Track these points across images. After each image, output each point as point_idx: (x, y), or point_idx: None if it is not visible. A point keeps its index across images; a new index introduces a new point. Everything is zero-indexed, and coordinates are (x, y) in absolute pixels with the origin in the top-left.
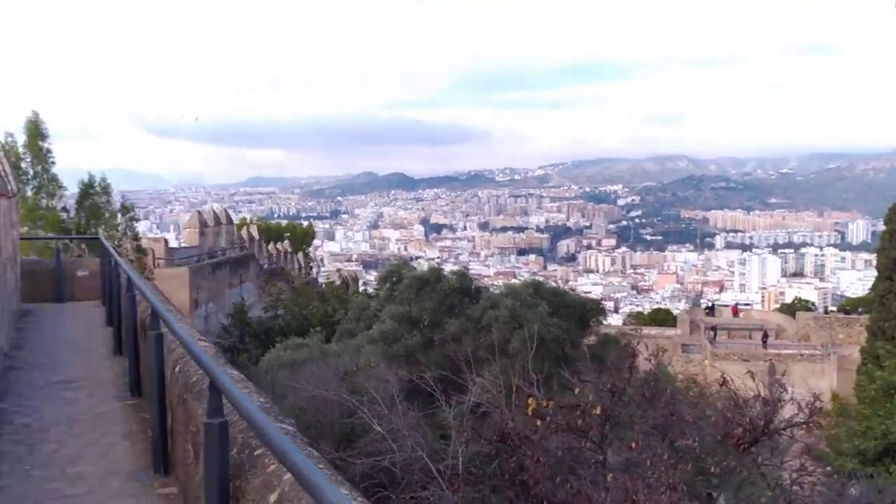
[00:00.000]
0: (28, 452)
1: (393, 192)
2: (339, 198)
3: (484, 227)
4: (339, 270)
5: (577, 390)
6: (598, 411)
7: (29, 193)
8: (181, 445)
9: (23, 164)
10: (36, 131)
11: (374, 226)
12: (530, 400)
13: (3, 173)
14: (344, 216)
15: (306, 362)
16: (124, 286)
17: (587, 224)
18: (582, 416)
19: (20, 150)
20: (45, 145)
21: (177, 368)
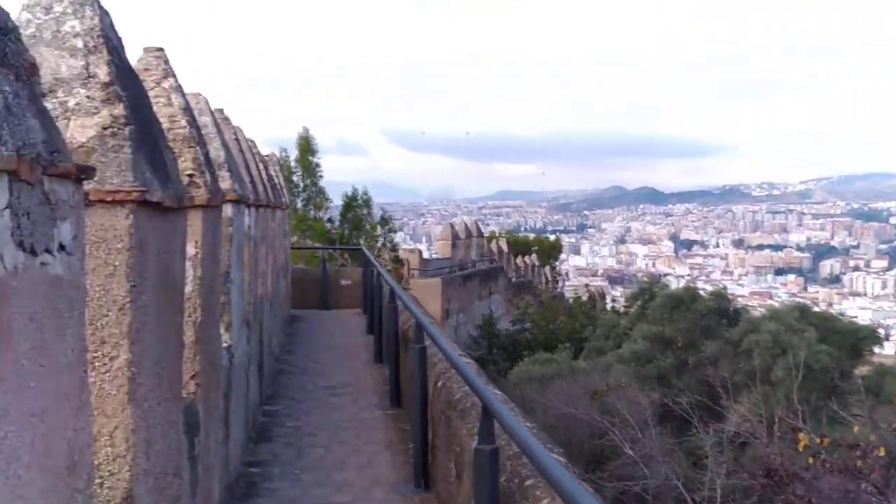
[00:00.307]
0: (297, 456)
1: (641, 206)
2: (586, 211)
3: (738, 244)
4: (587, 286)
5: (855, 427)
6: (881, 453)
7: (299, 205)
8: (442, 463)
9: (294, 178)
10: (307, 146)
11: (621, 241)
12: (801, 435)
13: (278, 186)
14: (590, 230)
15: (554, 378)
16: (386, 297)
17: (854, 243)
18: (862, 457)
19: (292, 164)
20: (315, 160)
21: (439, 383)
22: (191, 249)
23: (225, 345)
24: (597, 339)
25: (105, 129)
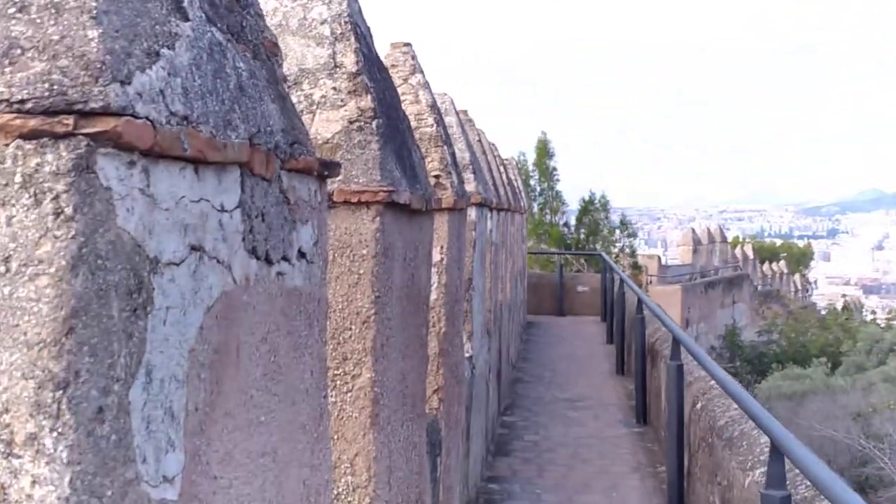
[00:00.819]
0: (538, 474)
1: None
2: (839, 216)
3: None
4: (844, 296)
5: None
6: None
7: (536, 209)
8: (703, 495)
9: (531, 182)
10: (544, 150)
11: (879, 247)
12: None
13: (517, 190)
14: (843, 235)
15: (808, 395)
16: (630, 305)
17: None
18: None
19: (530, 168)
20: (552, 163)
21: (698, 405)
22: (436, 255)
23: (467, 355)
24: (856, 354)
25: (352, 122)
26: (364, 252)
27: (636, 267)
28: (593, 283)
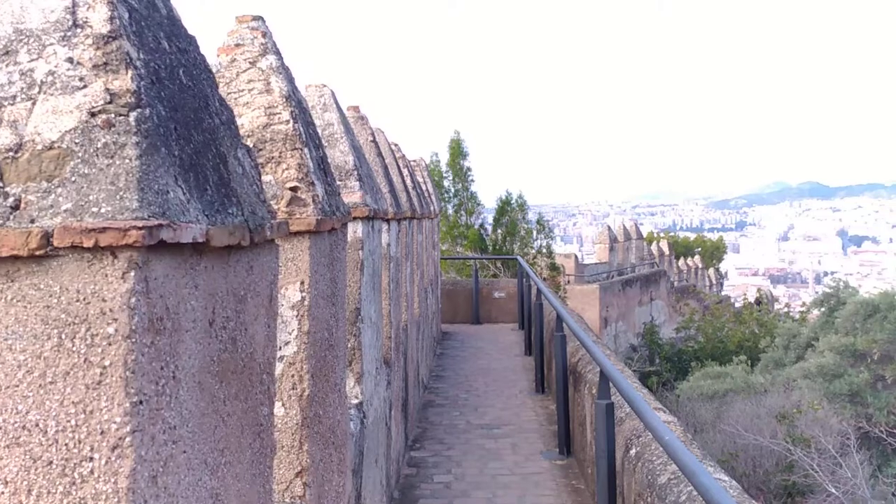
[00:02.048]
0: None
1: (805, 201)
2: (746, 209)
3: None
4: (758, 290)
5: None
6: None
7: (450, 211)
8: None
9: (445, 183)
10: (458, 150)
11: (784, 238)
12: None
13: (426, 193)
14: (751, 227)
15: (728, 395)
16: (549, 315)
17: None
18: None
19: (443, 168)
20: (466, 163)
21: (632, 451)
22: (293, 295)
23: (355, 401)
24: (774, 350)
25: (94, 114)
26: (110, 331)
27: (554, 268)
28: (510, 288)
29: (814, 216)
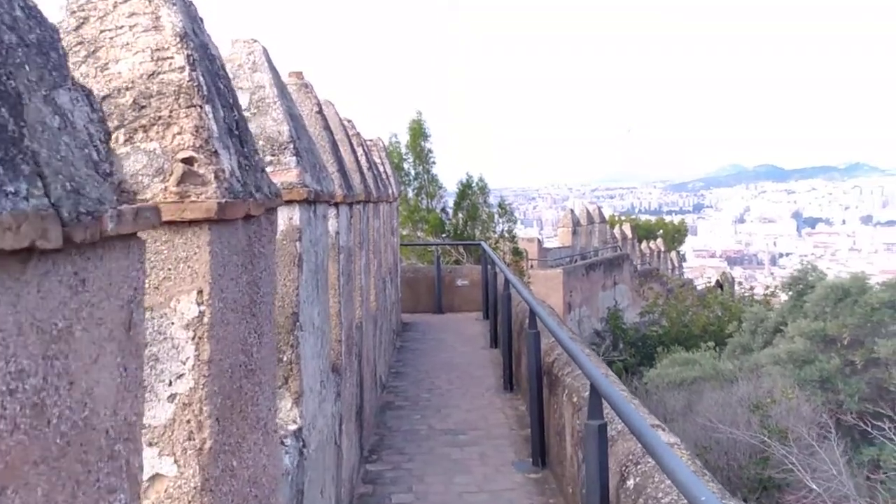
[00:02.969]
0: None
1: (761, 184)
2: (703, 191)
3: (866, 220)
4: (722, 273)
5: None
6: None
7: (410, 195)
8: None
9: (405, 165)
10: (419, 131)
11: (741, 220)
12: None
13: (384, 175)
14: (708, 210)
15: (698, 382)
16: (518, 312)
17: None
18: None
19: (403, 150)
20: (427, 145)
21: (629, 482)
22: (188, 309)
23: (293, 427)
24: (741, 335)
25: None
26: None
27: (517, 252)
28: (474, 275)
29: (769, 198)
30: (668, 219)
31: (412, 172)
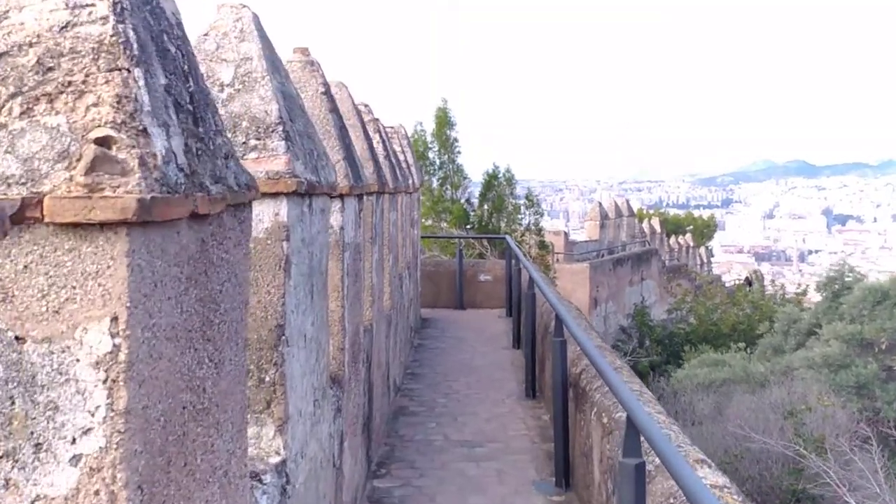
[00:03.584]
0: None
1: (791, 179)
2: (732, 186)
3: None
4: (754, 271)
5: None
6: None
7: (435, 185)
8: None
9: (430, 154)
10: (444, 119)
11: (770, 216)
12: None
13: (404, 164)
14: (736, 205)
15: (726, 385)
16: (542, 312)
17: None
18: None
19: (428, 139)
20: (452, 134)
21: (660, 486)
22: (98, 342)
23: (275, 461)
24: (773, 336)
25: None
26: None
27: (543, 246)
28: (497, 270)
29: (799, 194)
30: (696, 213)
31: (437, 162)
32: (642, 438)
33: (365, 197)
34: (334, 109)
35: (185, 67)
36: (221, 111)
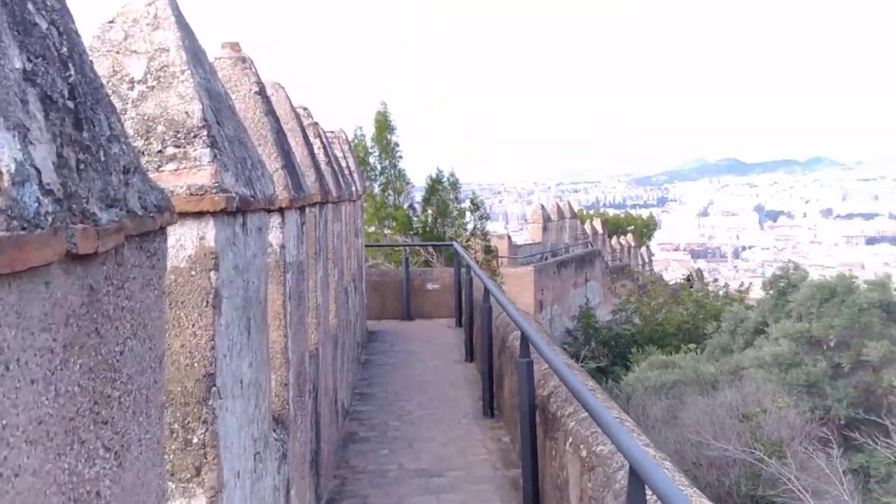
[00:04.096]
0: None
1: (724, 177)
2: (667, 185)
3: (827, 213)
4: (697, 269)
5: None
6: None
7: (376, 190)
8: None
9: (371, 159)
10: (384, 123)
11: (704, 214)
12: None
13: (346, 170)
14: (672, 203)
15: (677, 386)
16: (498, 325)
17: None
18: None
19: (368, 143)
20: (393, 138)
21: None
22: None
23: None
24: (720, 336)
25: None
26: None
27: (489, 251)
28: (445, 278)
29: (732, 192)
30: (634, 213)
31: (378, 167)
32: (648, 492)
33: (307, 209)
34: (270, 112)
35: (64, 50)
36: (132, 113)
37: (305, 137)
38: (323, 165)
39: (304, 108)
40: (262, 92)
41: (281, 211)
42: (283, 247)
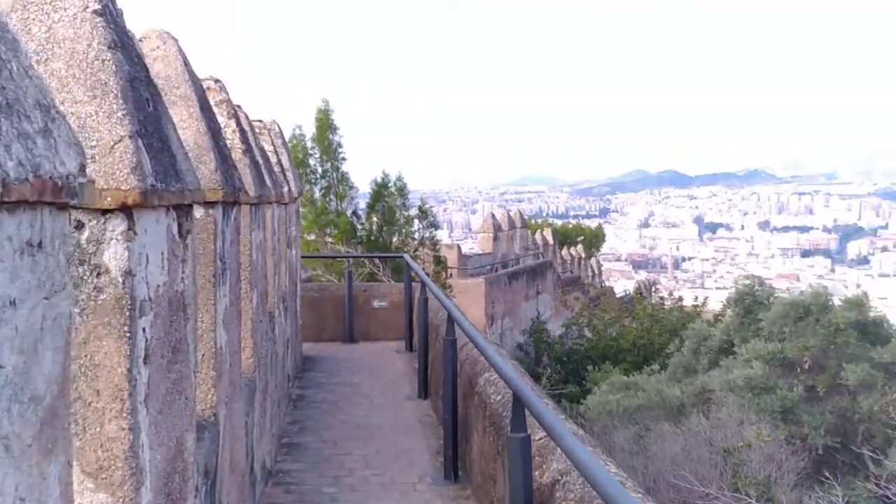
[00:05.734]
0: None
1: (665, 189)
2: (609, 196)
3: (764, 226)
4: (652, 282)
5: None
6: None
7: (317, 195)
8: None
9: (311, 161)
10: (326, 122)
11: (645, 224)
12: None
13: (277, 167)
14: (613, 214)
15: (642, 412)
16: (464, 361)
17: (882, 224)
18: None
19: (308, 144)
20: (335, 139)
21: None
22: None
23: None
24: (681, 356)
25: None
26: None
27: (439, 262)
28: (394, 295)
29: (672, 203)
30: (574, 223)
31: (319, 170)
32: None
33: (196, 209)
34: (120, 46)
35: None
36: None
37: (206, 112)
38: (239, 154)
39: (217, 81)
40: (105, 13)
41: (127, 211)
42: (128, 273)
